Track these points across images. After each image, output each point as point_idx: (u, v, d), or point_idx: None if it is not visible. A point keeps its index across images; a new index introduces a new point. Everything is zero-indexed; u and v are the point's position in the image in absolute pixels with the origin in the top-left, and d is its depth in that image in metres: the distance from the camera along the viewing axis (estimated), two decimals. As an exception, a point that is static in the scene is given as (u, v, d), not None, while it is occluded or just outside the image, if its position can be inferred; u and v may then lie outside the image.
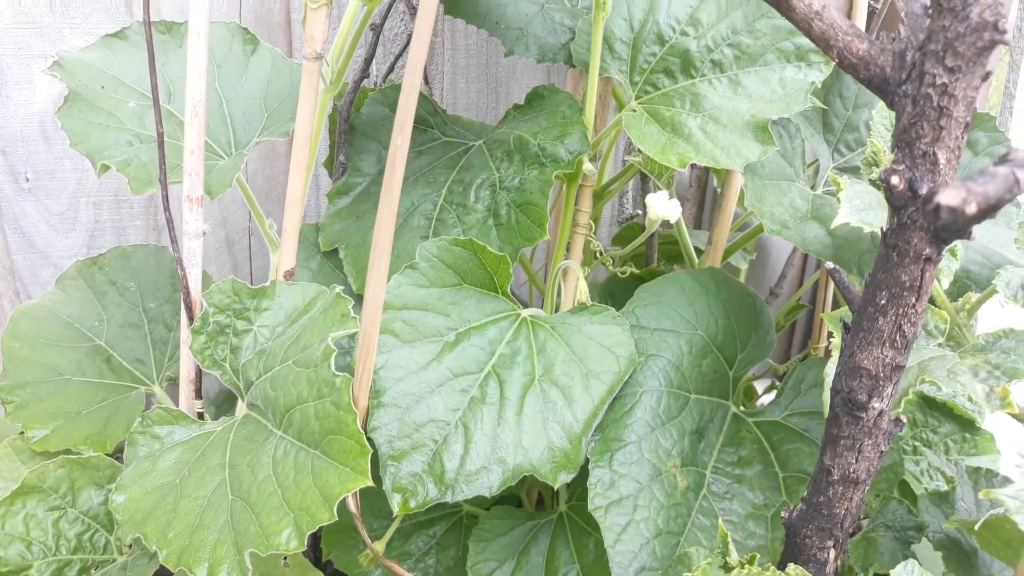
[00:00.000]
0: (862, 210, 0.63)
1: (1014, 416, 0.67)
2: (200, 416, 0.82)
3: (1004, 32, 0.45)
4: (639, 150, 0.78)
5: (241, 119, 0.88)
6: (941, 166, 0.48)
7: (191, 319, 0.78)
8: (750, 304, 0.84)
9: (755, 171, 0.79)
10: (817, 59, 0.79)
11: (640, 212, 1.11)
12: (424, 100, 0.92)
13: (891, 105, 0.49)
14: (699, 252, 0.98)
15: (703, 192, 1.18)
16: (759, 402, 1.12)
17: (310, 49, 0.73)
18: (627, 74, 0.83)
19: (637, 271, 0.95)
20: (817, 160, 0.89)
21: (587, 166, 0.82)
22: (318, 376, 0.66)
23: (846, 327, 0.55)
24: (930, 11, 0.46)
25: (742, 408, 0.83)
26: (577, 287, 0.81)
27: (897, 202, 0.49)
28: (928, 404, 0.94)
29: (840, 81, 0.87)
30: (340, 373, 0.65)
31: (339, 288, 0.72)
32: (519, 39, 0.84)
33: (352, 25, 0.81)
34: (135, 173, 0.78)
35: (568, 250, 0.90)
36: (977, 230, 0.81)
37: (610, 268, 0.93)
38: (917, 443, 0.98)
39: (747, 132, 0.77)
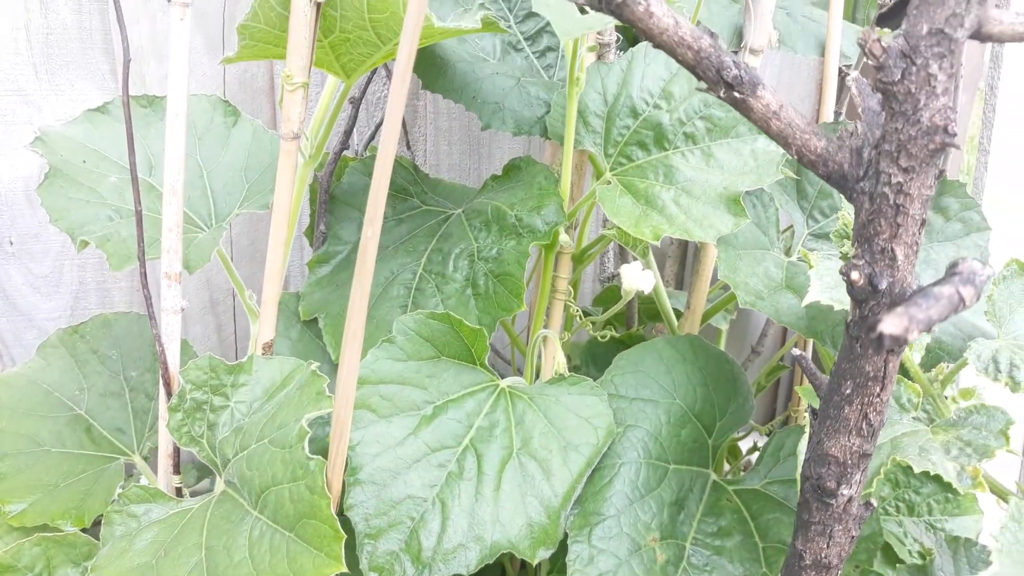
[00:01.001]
0: (832, 288, 0.64)
1: (992, 491, 0.67)
2: (178, 492, 0.82)
3: (954, 135, 0.46)
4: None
5: (222, 190, 0.89)
6: (899, 262, 0.48)
7: (169, 395, 0.78)
8: (728, 371, 0.84)
9: (729, 241, 0.80)
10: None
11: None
12: (404, 169, 0.93)
13: (850, 199, 0.50)
14: (680, 314, 0.99)
15: (684, 249, 1.19)
16: (744, 460, 1.12)
17: (287, 129, 0.74)
18: (601, 146, 0.84)
19: (617, 335, 0.95)
20: (792, 226, 0.90)
21: (563, 238, 0.83)
22: (293, 458, 0.66)
23: (814, 413, 0.55)
24: (883, 112, 0.47)
25: (726, 476, 0.83)
26: (556, 357, 0.82)
27: (858, 296, 0.49)
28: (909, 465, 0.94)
29: (812, 149, 0.88)
30: (314, 456, 0.65)
31: (315, 365, 0.73)
32: (495, 113, 0.85)
33: (331, 101, 0.83)
34: (114, 249, 0.79)
35: (548, 315, 0.91)
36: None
37: (590, 332, 0.93)
38: (900, 504, 0.98)
39: (720, 204, 0.78)
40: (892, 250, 0.48)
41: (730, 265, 0.78)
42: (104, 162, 0.87)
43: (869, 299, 0.49)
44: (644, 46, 0.82)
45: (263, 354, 0.82)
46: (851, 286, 0.49)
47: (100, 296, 1.16)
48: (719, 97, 0.49)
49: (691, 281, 0.93)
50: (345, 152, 0.96)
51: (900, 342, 0.34)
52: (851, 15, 0.97)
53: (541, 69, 0.92)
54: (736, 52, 0.89)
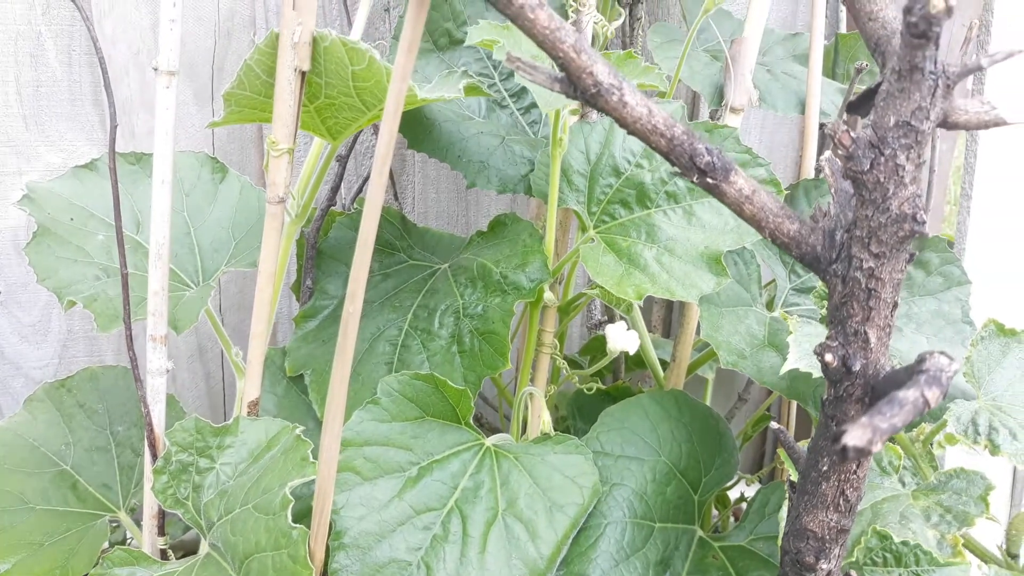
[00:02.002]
0: (811, 354, 0.65)
1: (974, 554, 0.68)
2: (163, 554, 0.82)
3: (923, 223, 0.47)
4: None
5: (209, 247, 0.89)
6: (872, 344, 0.49)
7: (154, 457, 0.78)
8: (713, 427, 0.85)
9: (710, 299, 0.81)
10: (769, 189, 0.81)
11: (607, 318, 1.12)
12: (390, 224, 0.94)
13: (824, 280, 0.51)
14: (666, 364, 0.99)
15: (671, 294, 1.20)
16: (733, 507, 1.12)
17: (272, 194, 0.75)
18: (585, 204, 0.85)
19: (604, 386, 0.96)
20: (774, 280, 0.91)
21: (548, 295, 0.83)
22: (276, 526, 0.66)
23: (792, 486, 0.56)
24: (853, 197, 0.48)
25: (714, 525, 0.83)
26: (541, 416, 0.82)
27: (832, 377, 0.50)
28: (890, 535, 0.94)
29: (795, 204, 0.89)
30: (296, 526, 0.65)
31: (300, 429, 0.73)
32: (480, 172, 0.86)
33: (317, 161, 0.83)
34: (101, 309, 0.79)
35: (534, 368, 0.91)
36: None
37: (577, 384, 0.94)
38: (887, 554, 0.98)
39: (701, 263, 0.79)
40: (865, 333, 0.49)
41: (712, 324, 0.79)
42: (92, 220, 0.88)
43: (843, 380, 0.50)
44: (626, 106, 0.83)
45: (248, 413, 0.82)
46: (825, 367, 0.50)
47: (88, 345, 1.16)
48: (692, 182, 0.50)
49: (676, 333, 0.94)
50: (332, 206, 0.96)
51: (864, 453, 0.35)
52: (831, 71, 0.98)
53: (526, 126, 0.93)
54: (717, 110, 0.90)
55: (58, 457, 0.93)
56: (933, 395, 0.38)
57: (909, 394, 0.37)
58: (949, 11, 0.42)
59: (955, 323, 0.87)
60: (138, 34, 1.07)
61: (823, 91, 0.92)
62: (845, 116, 0.89)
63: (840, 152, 0.46)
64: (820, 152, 0.98)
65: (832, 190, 0.51)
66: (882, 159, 0.46)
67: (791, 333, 0.67)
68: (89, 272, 0.83)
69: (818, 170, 0.97)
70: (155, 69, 0.72)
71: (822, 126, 0.97)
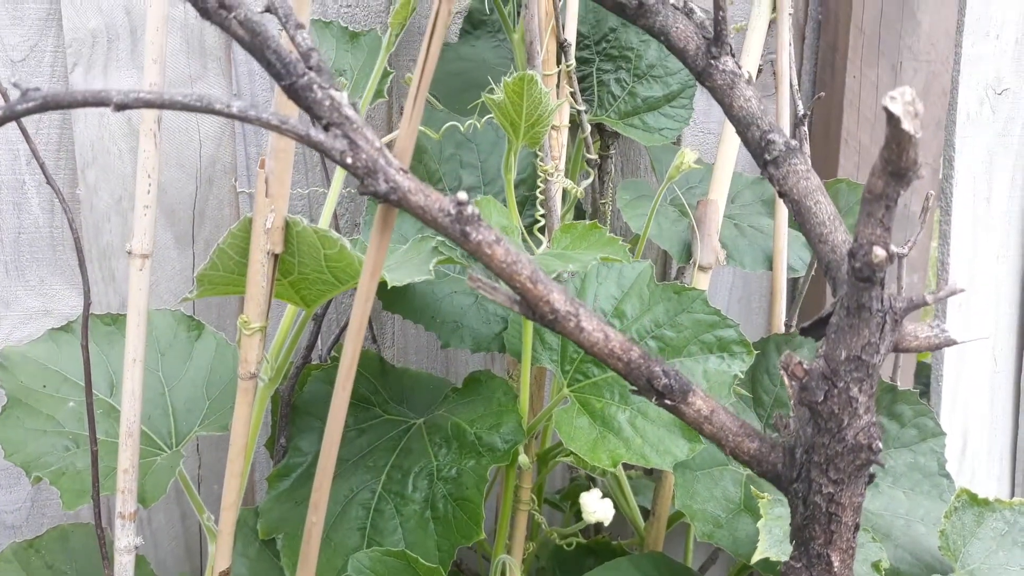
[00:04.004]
0: (781, 541, 0.64)
1: None
2: None
3: (878, 452, 0.47)
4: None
5: (183, 408, 0.89)
6: (836, 568, 0.49)
7: (119, 639, 0.76)
8: (692, 589, 0.84)
9: (685, 462, 0.80)
10: (739, 350, 0.82)
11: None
12: (366, 377, 0.94)
13: (786, 496, 0.51)
14: (647, 512, 0.98)
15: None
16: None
17: (244, 370, 0.75)
18: (558, 363, 0.85)
19: (584, 540, 0.94)
20: (750, 433, 0.91)
21: (522, 459, 0.83)
22: None
23: None
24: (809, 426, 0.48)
25: None
26: (516, 584, 0.81)
27: (799, 598, 0.50)
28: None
29: (767, 359, 0.90)
30: None
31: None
32: (454, 332, 0.87)
33: (292, 324, 0.84)
34: (68, 485, 0.78)
35: (512, 525, 0.90)
36: (904, 519, 0.82)
37: (556, 541, 0.93)
38: None
39: (675, 428, 0.79)
40: (828, 556, 0.49)
41: (686, 490, 0.78)
42: (65, 385, 0.87)
43: (809, 602, 0.49)
44: (596, 267, 0.85)
45: (218, 586, 0.80)
46: (791, 589, 0.49)
47: (62, 489, 1.14)
48: (651, 402, 0.51)
49: (655, 488, 0.94)
50: (308, 363, 0.97)
51: None
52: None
53: (500, 280, 0.94)
54: (684, 268, 0.91)
55: (23, 623, 0.91)
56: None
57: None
58: (891, 259, 0.43)
59: (932, 476, 0.87)
60: (120, 182, 1.09)
61: (790, 245, 0.94)
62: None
63: (794, 383, 0.47)
64: (789, 306, 1.00)
65: (792, 402, 0.52)
66: (835, 391, 0.47)
67: (763, 517, 0.66)
68: (59, 443, 0.83)
69: (788, 326, 0.98)
70: (129, 252, 0.73)
71: (792, 280, 0.99)
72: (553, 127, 0.87)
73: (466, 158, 0.98)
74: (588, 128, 0.91)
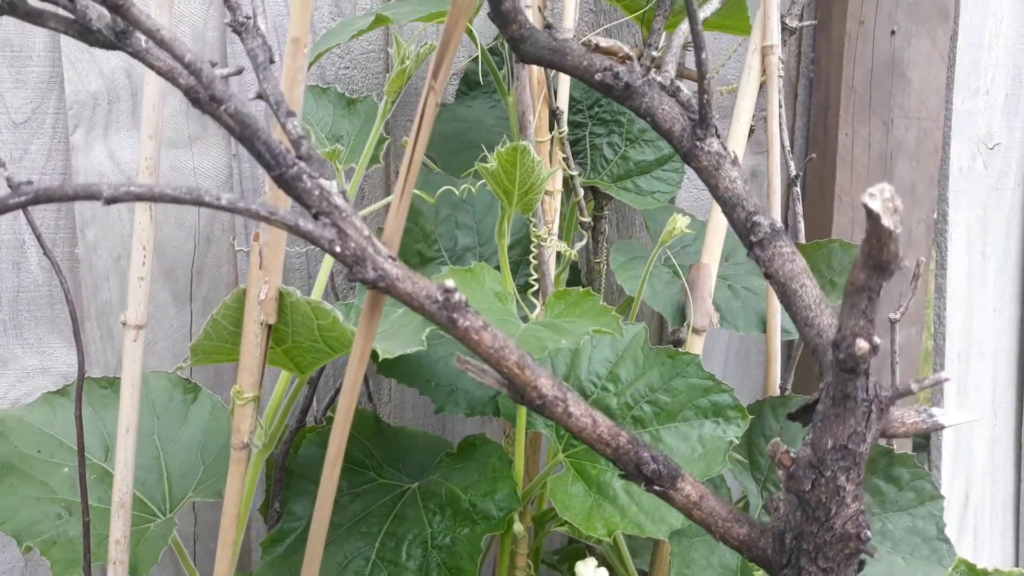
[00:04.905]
0: (777, 617, 0.64)
1: None
2: None
3: (867, 541, 0.47)
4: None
5: (177, 472, 0.89)
6: (828, 658, 0.48)
7: None
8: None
9: (681, 530, 0.80)
10: (734, 415, 0.82)
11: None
12: (360, 441, 0.94)
13: (778, 582, 0.50)
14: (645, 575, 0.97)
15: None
16: None
17: (237, 440, 0.75)
18: (553, 427, 0.85)
19: (579, 605, 0.93)
20: (746, 496, 0.90)
21: (517, 527, 0.83)
22: None
23: None
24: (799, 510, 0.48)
25: None
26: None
27: None
28: None
29: (763, 422, 0.90)
30: None
31: None
32: (449, 396, 0.87)
33: (285, 393, 0.84)
34: (59, 555, 0.78)
35: (507, 592, 0.89)
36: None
37: (551, 605, 0.92)
38: None
39: (670, 495, 0.78)
40: (820, 647, 0.48)
41: (683, 559, 0.78)
42: (60, 450, 0.87)
43: None
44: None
45: (209, 658, 0.79)
46: None
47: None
48: (640, 487, 0.50)
49: (653, 552, 0.93)
50: (303, 427, 0.96)
51: None
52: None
53: (494, 342, 0.95)
54: (678, 330, 0.92)
55: None
56: None
57: None
58: (875, 350, 0.44)
59: (931, 541, 0.86)
60: (119, 240, 1.10)
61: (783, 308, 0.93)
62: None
63: (781, 471, 0.47)
64: (785, 368, 0.99)
65: (782, 489, 0.51)
66: (823, 480, 0.46)
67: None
68: (52, 510, 0.82)
69: (783, 389, 0.98)
70: (123, 323, 0.73)
71: (788, 342, 0.99)
72: (547, 192, 0.88)
73: (462, 219, 0.99)
74: (581, 192, 0.92)
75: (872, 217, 0.41)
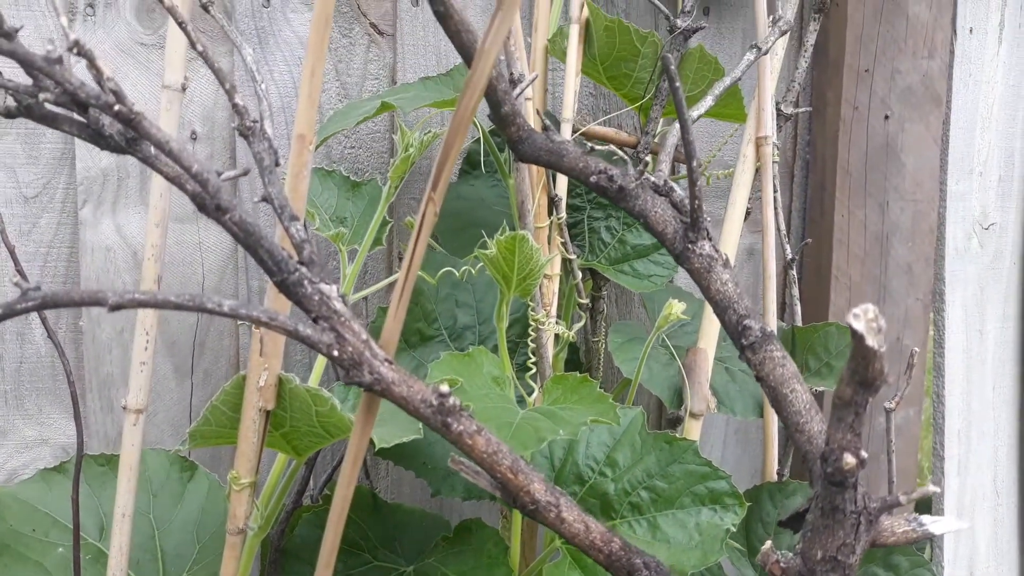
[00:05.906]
0: None
1: None
2: None
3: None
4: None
5: (172, 552, 0.88)
6: None
7: None
8: None
9: (678, 621, 0.79)
10: (732, 502, 0.82)
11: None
12: (355, 522, 0.94)
13: None
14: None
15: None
16: None
17: (233, 525, 0.75)
18: (550, 513, 0.85)
19: None
20: (745, 583, 0.89)
21: (511, 616, 0.82)
22: None
23: None
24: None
25: None
26: None
27: None
28: None
29: (760, 508, 0.89)
30: None
31: None
32: (445, 480, 0.87)
33: (282, 475, 0.84)
34: (51, 641, 0.77)
35: (502, 678, 0.88)
36: None
37: None
38: None
39: (666, 585, 0.78)
40: None
41: (679, 652, 0.77)
42: (55, 528, 0.87)
43: None
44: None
45: None
46: None
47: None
48: (633, 593, 0.50)
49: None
50: (299, 507, 0.96)
51: None
52: (789, 364, 1.02)
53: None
54: (675, 413, 0.92)
55: None
56: None
57: None
58: (862, 464, 0.44)
59: (932, 633, 0.84)
60: (123, 314, 1.11)
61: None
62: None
63: (772, 582, 0.47)
64: (782, 451, 0.99)
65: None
66: (813, 593, 0.46)
67: None
68: (45, 592, 0.82)
69: (780, 474, 0.98)
70: (124, 408, 0.74)
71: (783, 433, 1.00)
72: (546, 276, 0.89)
73: (462, 297, 1.00)
74: (579, 275, 0.93)
75: (856, 337, 0.42)
